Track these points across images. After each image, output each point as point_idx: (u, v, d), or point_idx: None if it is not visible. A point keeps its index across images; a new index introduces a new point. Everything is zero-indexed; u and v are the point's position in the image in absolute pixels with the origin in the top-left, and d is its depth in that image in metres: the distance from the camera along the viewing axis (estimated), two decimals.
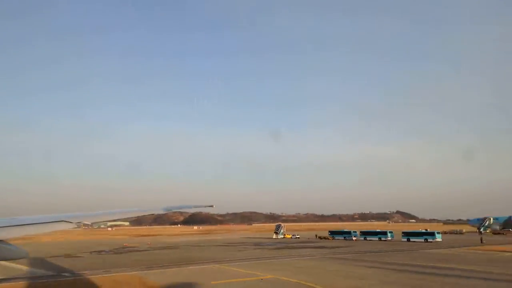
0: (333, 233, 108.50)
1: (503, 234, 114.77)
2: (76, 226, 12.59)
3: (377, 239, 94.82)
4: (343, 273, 37.84)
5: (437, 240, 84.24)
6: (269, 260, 52.23)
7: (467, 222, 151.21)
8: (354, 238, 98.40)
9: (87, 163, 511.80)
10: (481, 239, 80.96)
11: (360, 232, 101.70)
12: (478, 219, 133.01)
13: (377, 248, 70.27)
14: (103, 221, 18.74)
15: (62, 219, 12.26)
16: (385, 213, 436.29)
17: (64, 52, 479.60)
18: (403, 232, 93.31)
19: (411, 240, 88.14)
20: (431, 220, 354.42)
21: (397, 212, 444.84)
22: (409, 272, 37.28)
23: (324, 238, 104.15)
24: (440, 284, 29.83)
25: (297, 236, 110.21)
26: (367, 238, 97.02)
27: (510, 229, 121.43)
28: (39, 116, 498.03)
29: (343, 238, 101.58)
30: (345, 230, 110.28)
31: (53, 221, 12.17)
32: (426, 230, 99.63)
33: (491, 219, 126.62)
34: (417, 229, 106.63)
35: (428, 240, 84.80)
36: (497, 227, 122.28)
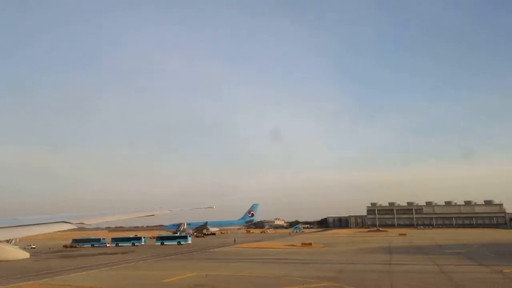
0: (78, 241, 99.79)
1: (202, 236, 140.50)
2: (76, 227, 12.54)
3: (131, 244, 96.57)
4: (246, 268, 43.32)
5: (188, 242, 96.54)
6: (130, 263, 49.72)
7: (164, 228, 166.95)
8: (108, 245, 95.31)
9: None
10: (235, 240, 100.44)
11: (112, 239, 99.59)
12: (174, 225, 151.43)
13: (161, 251, 74.06)
14: (103, 222, 16.99)
15: (62, 220, 12.19)
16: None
17: None
18: (156, 237, 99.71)
19: (165, 243, 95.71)
20: (97, 228, 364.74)
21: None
22: (275, 263, 47.60)
23: (70, 246, 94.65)
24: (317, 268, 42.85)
25: (33, 246, 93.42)
26: (119, 244, 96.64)
27: (203, 234, 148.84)
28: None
29: (90, 245, 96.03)
30: (92, 237, 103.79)
31: (53, 221, 12.13)
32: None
33: (185, 224, 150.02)
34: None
35: (181, 242, 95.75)
36: (191, 231, 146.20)
